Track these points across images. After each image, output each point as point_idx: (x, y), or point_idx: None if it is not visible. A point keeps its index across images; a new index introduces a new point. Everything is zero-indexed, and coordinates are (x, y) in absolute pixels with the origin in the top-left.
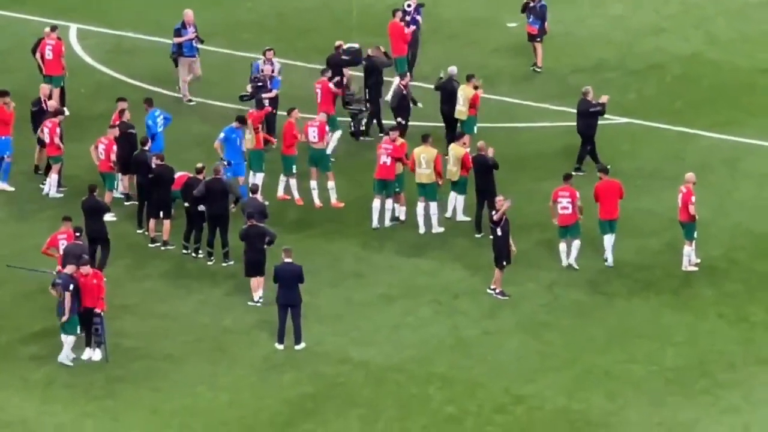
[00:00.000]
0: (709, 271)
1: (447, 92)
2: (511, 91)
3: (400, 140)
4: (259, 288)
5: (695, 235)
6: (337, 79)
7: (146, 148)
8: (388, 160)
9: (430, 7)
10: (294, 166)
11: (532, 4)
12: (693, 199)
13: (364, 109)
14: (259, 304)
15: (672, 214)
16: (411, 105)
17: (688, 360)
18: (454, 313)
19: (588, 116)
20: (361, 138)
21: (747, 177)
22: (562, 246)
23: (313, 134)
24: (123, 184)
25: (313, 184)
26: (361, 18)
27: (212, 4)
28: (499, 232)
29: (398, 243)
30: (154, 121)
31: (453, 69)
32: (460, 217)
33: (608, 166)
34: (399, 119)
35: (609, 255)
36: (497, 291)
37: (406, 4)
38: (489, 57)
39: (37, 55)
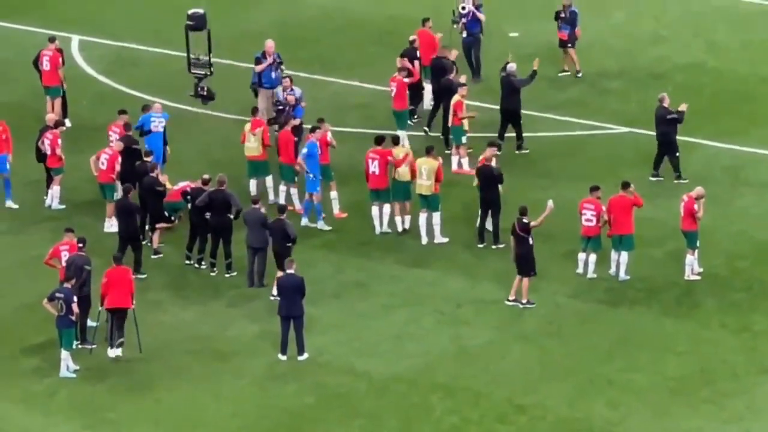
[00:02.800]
0: (711, 279)
1: (506, 89)
2: None
3: (400, 149)
4: None
5: (698, 243)
6: (407, 75)
7: (148, 160)
8: (377, 170)
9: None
10: (295, 176)
11: (563, 14)
12: (696, 207)
13: (209, 73)
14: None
15: (674, 223)
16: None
17: (690, 369)
18: (456, 323)
19: (666, 123)
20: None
21: (748, 185)
22: (582, 255)
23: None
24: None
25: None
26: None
27: (214, 14)
28: (530, 240)
29: (401, 253)
30: (147, 122)
31: (512, 66)
32: (438, 239)
33: (630, 182)
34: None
35: (621, 271)
36: (525, 301)
37: (460, 6)
38: (492, 66)
39: (39, 66)
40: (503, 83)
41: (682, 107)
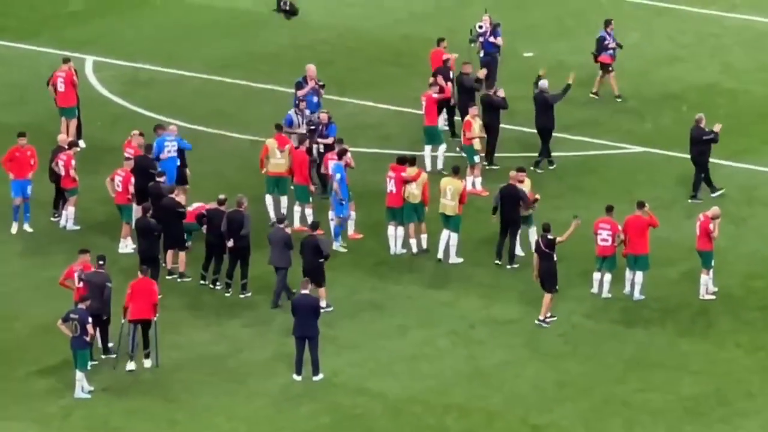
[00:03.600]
0: (726, 299)
1: (539, 105)
2: (529, 120)
3: (413, 168)
4: (321, 297)
5: (713, 263)
6: (438, 91)
7: (161, 180)
8: (394, 188)
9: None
10: (310, 196)
11: (610, 42)
12: (711, 226)
13: None
14: (330, 309)
15: (689, 243)
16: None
17: (705, 389)
18: (471, 343)
19: (701, 143)
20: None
21: (763, 205)
22: (596, 275)
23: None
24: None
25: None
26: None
27: (229, 35)
28: (555, 257)
29: (416, 273)
30: (161, 148)
31: (544, 83)
32: (453, 259)
33: (645, 202)
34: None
35: (636, 291)
36: (548, 318)
37: (477, 25)
38: (506, 86)
39: (50, 87)
40: (537, 100)
41: (717, 127)
